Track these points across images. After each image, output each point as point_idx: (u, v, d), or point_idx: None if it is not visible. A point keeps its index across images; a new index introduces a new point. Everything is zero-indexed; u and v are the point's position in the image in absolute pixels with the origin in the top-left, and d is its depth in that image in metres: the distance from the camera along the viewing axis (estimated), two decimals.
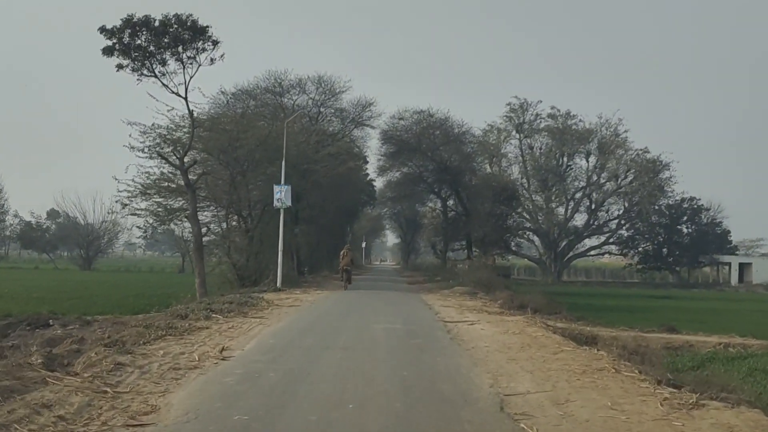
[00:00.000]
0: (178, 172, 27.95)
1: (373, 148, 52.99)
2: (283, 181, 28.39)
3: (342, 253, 30.72)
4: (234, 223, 31.46)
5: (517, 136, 69.18)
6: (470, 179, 43.64)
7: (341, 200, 52.53)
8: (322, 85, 39.70)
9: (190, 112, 26.36)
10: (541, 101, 75.59)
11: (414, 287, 36.13)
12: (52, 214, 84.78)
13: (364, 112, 40.38)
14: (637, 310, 30.51)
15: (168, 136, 28.83)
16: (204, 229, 31.16)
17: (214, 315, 14.49)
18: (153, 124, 27.94)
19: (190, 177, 27.89)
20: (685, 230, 74.54)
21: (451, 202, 56.50)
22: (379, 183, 65.50)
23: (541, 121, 69.31)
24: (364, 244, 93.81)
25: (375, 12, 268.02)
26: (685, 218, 74.37)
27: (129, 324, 13.08)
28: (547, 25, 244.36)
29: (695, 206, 73.55)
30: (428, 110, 41.37)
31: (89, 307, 22.88)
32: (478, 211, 40.80)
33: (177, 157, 27.31)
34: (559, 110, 69.53)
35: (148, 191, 29.46)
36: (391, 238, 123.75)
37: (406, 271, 76.34)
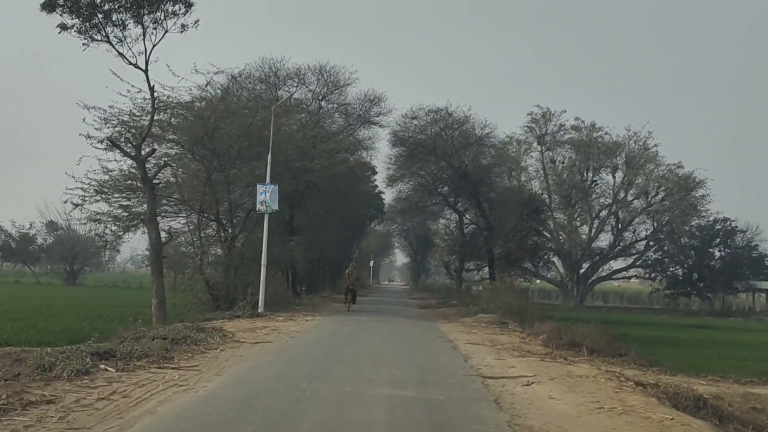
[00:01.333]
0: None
1: (382, 154, 47.25)
2: (268, 179, 22.60)
3: (347, 271, 28.56)
4: (211, 231, 25.57)
5: (539, 148, 63.20)
6: (488, 191, 37.68)
7: (346, 211, 46.76)
8: (324, 76, 33.84)
9: (151, 88, 20.58)
10: (565, 111, 69.62)
11: (427, 312, 30.16)
12: (51, 225, 79.09)
13: (372, 108, 34.51)
14: (685, 343, 24.73)
15: (132, 124, 23.17)
16: (179, 239, 25.43)
17: (103, 365, 8.57)
18: (111, 107, 22.30)
19: (153, 171, 22.12)
20: (717, 253, 68.08)
21: (468, 217, 50.63)
22: (388, 196, 59.85)
23: (564, 133, 63.32)
24: (371, 263, 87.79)
25: (386, 10, 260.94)
26: (718, 240, 67.91)
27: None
28: (570, 32, 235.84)
29: (729, 227, 67.12)
30: (446, 108, 35.53)
31: (22, 333, 17.47)
32: (503, 225, 34.90)
33: (133, 145, 21.54)
34: (583, 122, 63.51)
35: (105, 190, 23.76)
36: (400, 257, 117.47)
37: (417, 292, 70.27)
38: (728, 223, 66.83)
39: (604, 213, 65.05)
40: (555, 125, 62.62)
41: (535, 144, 63.11)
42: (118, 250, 65.66)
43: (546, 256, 57.71)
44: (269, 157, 22.64)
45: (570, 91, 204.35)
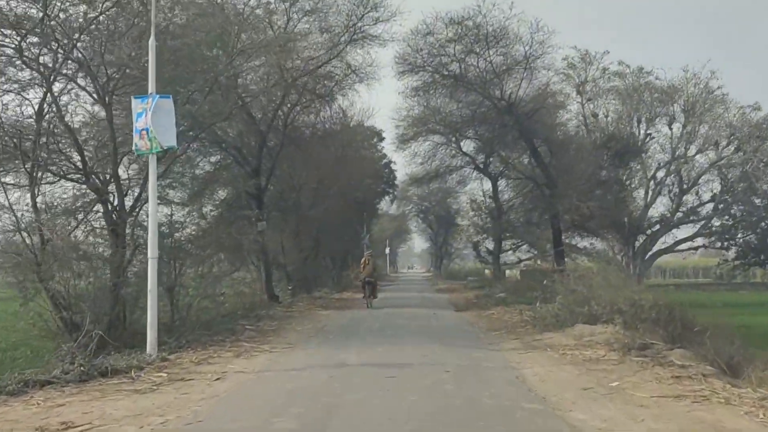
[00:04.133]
0: None
1: (386, 93, 35.68)
2: (152, 87, 10.96)
3: (363, 260, 24.38)
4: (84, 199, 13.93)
5: (578, 99, 50.64)
6: (545, 132, 25.47)
7: (347, 184, 35.26)
8: None
9: None
10: (608, 52, 57.20)
11: (470, 318, 18.50)
12: None
13: (366, 14, 22.34)
14: None
15: None
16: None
17: None
18: None
19: None
20: None
21: (502, 183, 38.84)
22: (400, 171, 48.33)
23: (608, 79, 50.72)
24: (387, 250, 76.05)
25: None
26: None
27: None
28: None
29: None
30: (475, 16, 23.13)
31: None
32: (572, 177, 23.17)
33: None
34: (628, 66, 50.78)
35: None
36: (418, 243, 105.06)
37: (441, 280, 58.48)
38: None
39: (661, 173, 52.73)
40: (596, 70, 50.12)
41: (573, 94, 50.65)
42: None
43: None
44: (151, 39, 10.98)
45: (608, 30, 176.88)
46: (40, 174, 12.21)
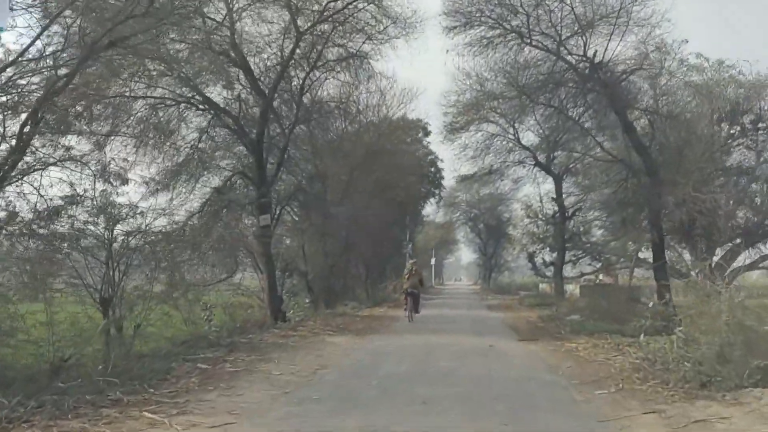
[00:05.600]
0: None
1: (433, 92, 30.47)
2: None
3: (407, 270, 20.85)
4: None
5: (650, 92, 43.66)
6: (639, 102, 19.00)
7: (385, 179, 29.65)
8: None
9: None
10: (686, 41, 50.40)
11: (543, 353, 12.38)
12: None
13: None
14: None
15: None
16: None
17: None
18: None
19: None
20: None
21: (566, 185, 32.71)
22: (447, 162, 42.45)
23: (686, 72, 43.59)
24: (433, 260, 69.82)
25: None
26: None
27: None
28: None
29: None
30: None
31: None
32: (687, 155, 16.94)
33: None
34: (707, 59, 43.46)
35: None
36: (466, 254, 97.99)
37: (490, 294, 52.10)
38: None
39: (744, 180, 45.41)
40: (673, 61, 43.01)
41: (645, 87, 43.70)
42: None
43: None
44: None
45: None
46: None
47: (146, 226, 12.56)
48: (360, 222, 27.95)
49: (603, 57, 17.68)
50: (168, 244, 14.04)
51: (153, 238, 13.00)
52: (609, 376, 9.52)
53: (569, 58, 18.12)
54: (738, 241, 43.68)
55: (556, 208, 33.67)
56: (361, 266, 32.59)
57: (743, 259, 44.84)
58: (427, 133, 37.96)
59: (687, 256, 25.05)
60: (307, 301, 22.82)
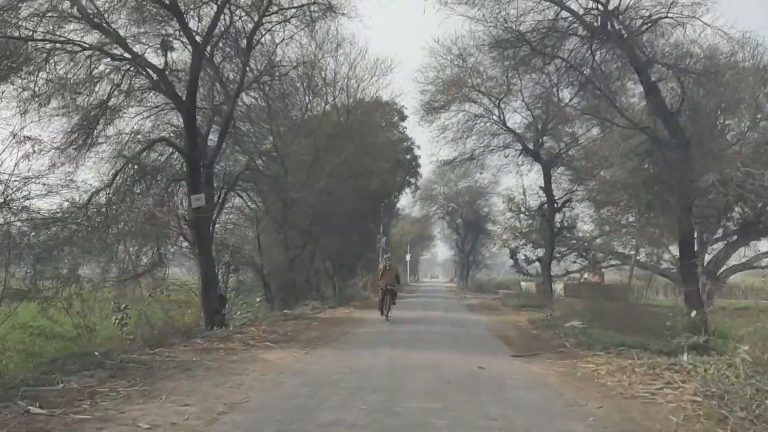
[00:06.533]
0: None
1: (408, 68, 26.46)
2: None
3: (382, 266, 19.45)
4: None
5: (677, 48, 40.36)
6: (669, 60, 15.38)
7: (355, 161, 26.29)
8: None
9: None
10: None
11: (554, 380, 8.98)
12: None
13: None
14: None
15: None
16: None
17: None
18: None
19: None
20: None
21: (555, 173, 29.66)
22: (424, 146, 39.06)
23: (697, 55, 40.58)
24: (408, 256, 66.31)
25: None
26: None
27: None
28: None
29: None
30: None
31: None
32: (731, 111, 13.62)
33: None
34: (726, 33, 40.56)
35: None
36: (442, 251, 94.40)
37: (468, 293, 48.83)
38: None
39: None
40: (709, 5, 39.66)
41: (672, 40, 40.41)
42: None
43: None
44: None
45: None
46: None
47: (7, 197, 9.10)
48: (327, 211, 24.52)
49: (619, 2, 14.28)
50: (62, 227, 10.64)
51: (28, 217, 9.59)
52: (669, 429, 6.11)
53: (574, 6, 14.68)
54: (734, 238, 40.54)
55: (544, 199, 30.41)
56: (329, 261, 29.11)
57: None
58: (403, 118, 34.62)
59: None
60: (258, 300, 19.27)
